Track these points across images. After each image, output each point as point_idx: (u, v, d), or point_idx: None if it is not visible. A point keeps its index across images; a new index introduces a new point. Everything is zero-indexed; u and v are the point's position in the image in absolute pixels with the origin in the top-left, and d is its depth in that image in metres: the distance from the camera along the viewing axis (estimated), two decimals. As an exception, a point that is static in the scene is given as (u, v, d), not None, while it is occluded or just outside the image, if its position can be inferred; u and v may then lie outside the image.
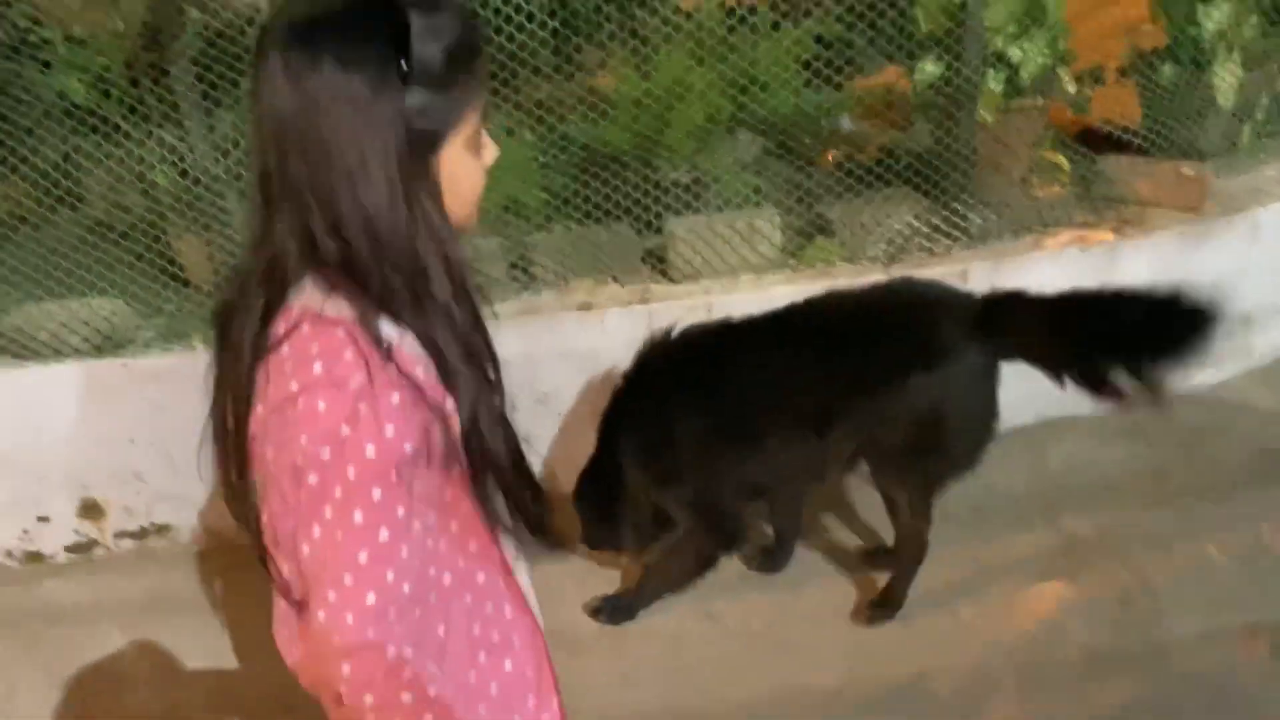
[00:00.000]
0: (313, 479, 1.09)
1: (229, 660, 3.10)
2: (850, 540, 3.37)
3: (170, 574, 3.48)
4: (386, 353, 1.11)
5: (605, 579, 3.27)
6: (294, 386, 1.10)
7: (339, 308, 1.13)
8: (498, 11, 3.19)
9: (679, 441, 2.78)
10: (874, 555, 3.26)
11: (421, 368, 1.15)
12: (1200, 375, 3.87)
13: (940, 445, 2.75)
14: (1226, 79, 3.88)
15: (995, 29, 3.51)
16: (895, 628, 3.06)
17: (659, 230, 3.54)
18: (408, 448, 1.11)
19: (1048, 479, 3.54)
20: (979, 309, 2.69)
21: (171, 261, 3.54)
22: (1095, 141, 3.90)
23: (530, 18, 3.25)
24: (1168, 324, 2.43)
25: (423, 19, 1.12)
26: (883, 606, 3.03)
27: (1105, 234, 3.59)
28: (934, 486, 2.85)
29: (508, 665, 1.33)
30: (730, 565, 3.23)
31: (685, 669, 2.98)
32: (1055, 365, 2.60)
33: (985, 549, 3.22)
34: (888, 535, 3.17)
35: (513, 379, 3.55)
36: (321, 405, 1.09)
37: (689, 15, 3.41)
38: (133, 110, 3.35)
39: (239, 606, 3.30)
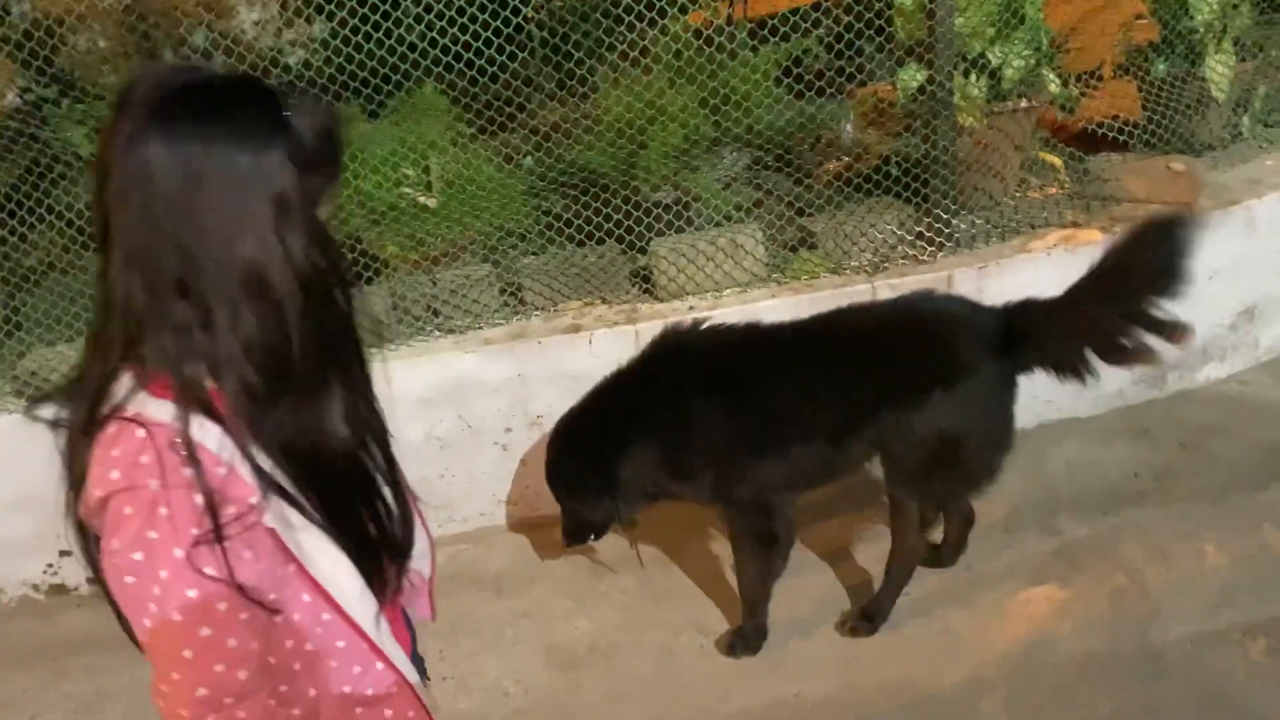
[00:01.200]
0: (129, 580, 1.12)
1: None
2: (847, 548, 3.39)
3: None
4: (191, 455, 1.12)
5: (602, 599, 3.34)
6: (99, 492, 1.13)
7: (153, 407, 1.14)
8: (489, 43, 3.30)
9: (701, 438, 2.81)
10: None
11: (224, 468, 1.15)
12: (1205, 370, 3.84)
13: (958, 461, 2.77)
14: (1220, 70, 3.84)
15: (973, 33, 3.52)
16: (887, 636, 3.06)
17: (644, 250, 3.60)
18: (223, 543, 1.13)
19: (1044, 483, 3.52)
20: (999, 324, 2.72)
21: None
22: (1091, 142, 3.87)
23: (522, 47, 3.35)
24: (1158, 252, 2.50)
25: (298, 102, 1.18)
26: (866, 619, 3.04)
27: (1093, 233, 3.56)
28: (947, 502, 2.87)
29: (388, 714, 1.37)
30: (721, 580, 3.28)
31: (676, 682, 3.03)
32: (1080, 358, 2.64)
33: (978, 555, 3.21)
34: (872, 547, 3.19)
35: (506, 402, 3.63)
36: (127, 510, 1.12)
37: (672, 37, 3.49)
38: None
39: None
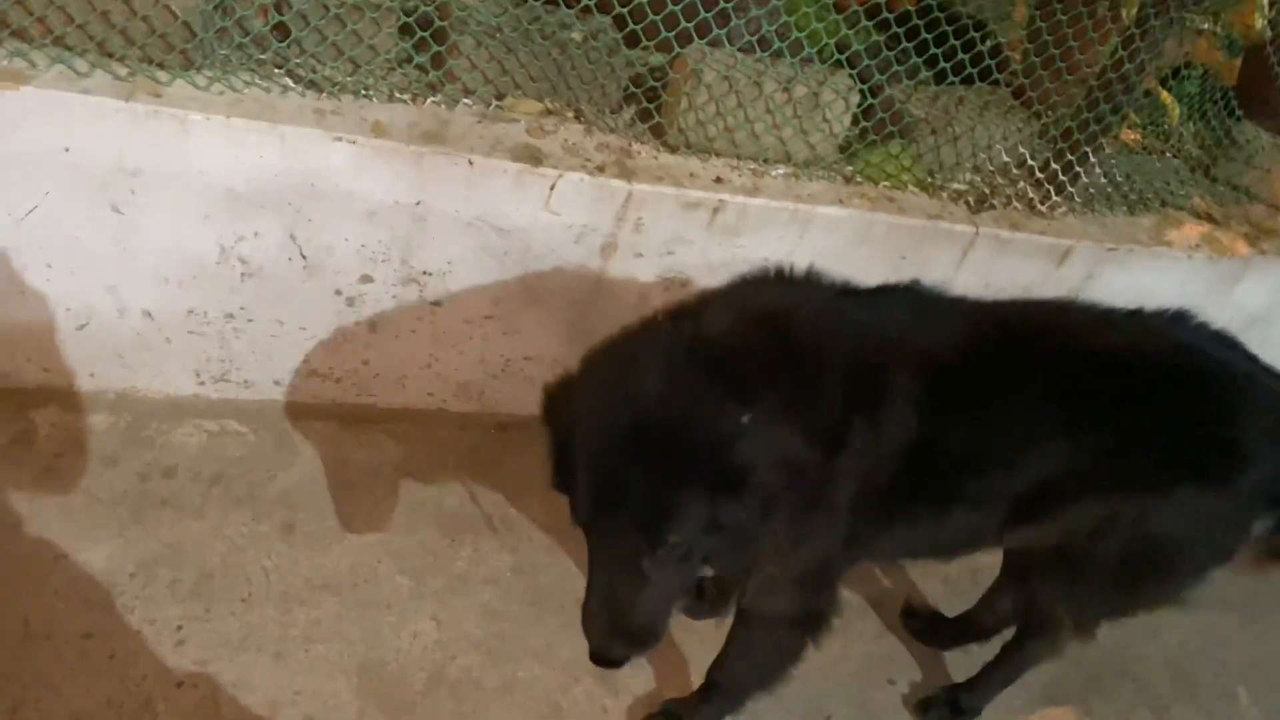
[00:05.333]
0: None
1: None
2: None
3: None
4: None
5: (459, 588, 2.12)
6: None
7: None
8: None
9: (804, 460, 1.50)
10: (923, 618, 2.40)
11: None
12: None
13: (1167, 578, 1.80)
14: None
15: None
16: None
17: (659, 64, 2.20)
18: None
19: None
20: None
21: None
22: (1249, 98, 2.85)
23: None
24: None
25: None
26: (955, 710, 2.18)
27: (1238, 244, 2.60)
28: (1125, 613, 1.91)
29: None
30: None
31: None
32: None
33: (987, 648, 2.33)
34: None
35: (378, 237, 1.99)
36: None
37: None
38: None
39: None
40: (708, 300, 1.54)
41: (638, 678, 2.10)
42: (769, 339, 1.43)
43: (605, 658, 1.42)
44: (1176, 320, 1.73)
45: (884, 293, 1.65)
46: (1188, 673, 2.51)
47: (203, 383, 2.27)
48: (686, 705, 1.98)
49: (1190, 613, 2.61)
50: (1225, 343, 1.74)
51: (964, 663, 2.32)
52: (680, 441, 1.31)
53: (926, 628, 2.37)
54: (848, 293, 1.60)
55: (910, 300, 1.65)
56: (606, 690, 2.06)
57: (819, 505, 1.51)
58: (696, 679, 2.04)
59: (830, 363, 1.47)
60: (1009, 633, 2.17)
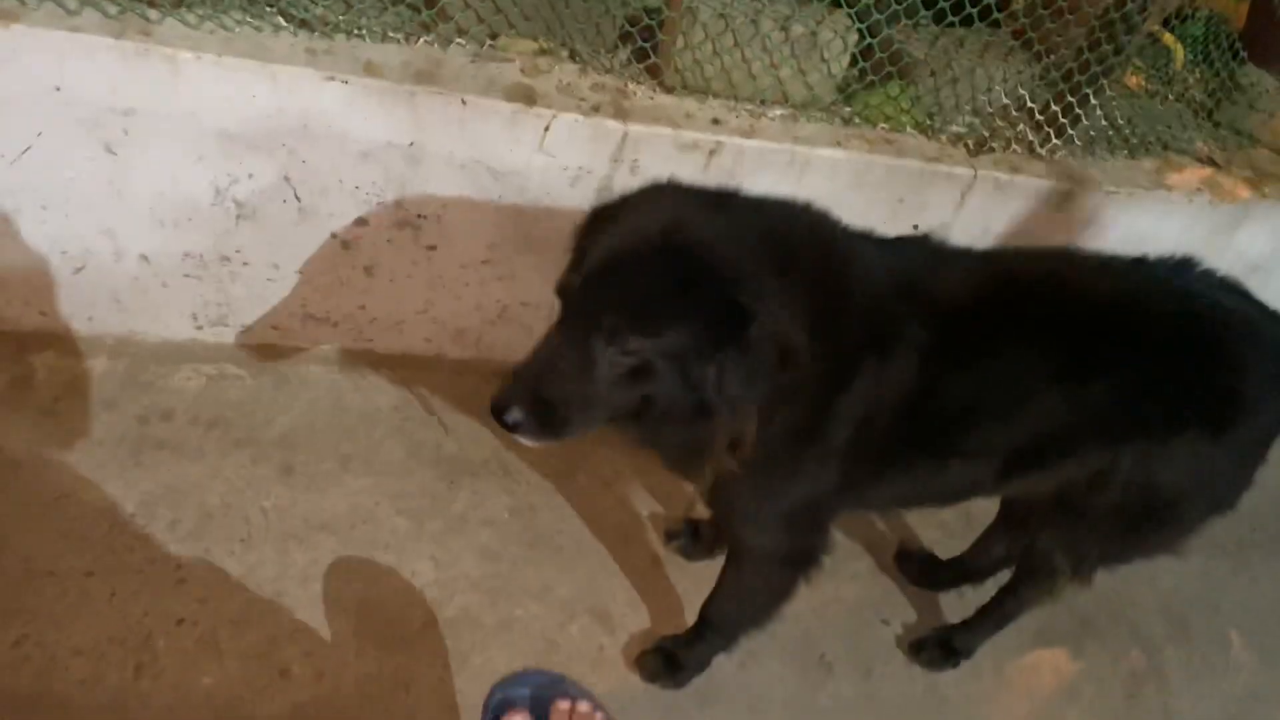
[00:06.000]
0: None
1: None
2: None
3: None
4: None
5: (457, 528, 2.14)
6: None
7: None
8: None
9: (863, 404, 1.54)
10: (917, 560, 2.42)
11: None
12: None
13: (1165, 527, 1.81)
14: None
15: None
16: (857, 686, 2.16)
17: (655, 3, 2.17)
18: None
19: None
20: None
21: None
22: (1258, 44, 2.81)
23: None
24: None
25: None
26: (948, 651, 2.22)
27: (1238, 187, 2.58)
28: (1121, 563, 1.92)
29: None
30: (639, 544, 2.21)
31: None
32: None
33: (981, 591, 2.34)
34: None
35: (373, 179, 2.04)
36: None
37: None
38: None
39: None
40: (760, 197, 1.52)
41: (632, 616, 2.12)
42: (814, 247, 1.42)
43: (500, 412, 1.35)
44: (1181, 267, 1.72)
45: (899, 241, 1.64)
46: (1181, 616, 2.53)
47: (200, 327, 2.28)
48: (680, 642, 2.00)
49: (1184, 559, 2.64)
50: (1230, 289, 1.72)
51: (958, 605, 2.34)
52: (702, 270, 1.29)
53: (920, 571, 2.39)
54: (868, 236, 1.59)
55: (924, 250, 1.64)
56: (603, 628, 2.09)
57: (813, 441, 1.51)
58: (691, 619, 2.06)
59: (856, 300, 1.47)
60: (1004, 576, 2.19)
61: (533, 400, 1.34)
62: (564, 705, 1.42)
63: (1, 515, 1.92)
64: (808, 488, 1.62)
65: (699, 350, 1.31)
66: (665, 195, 1.46)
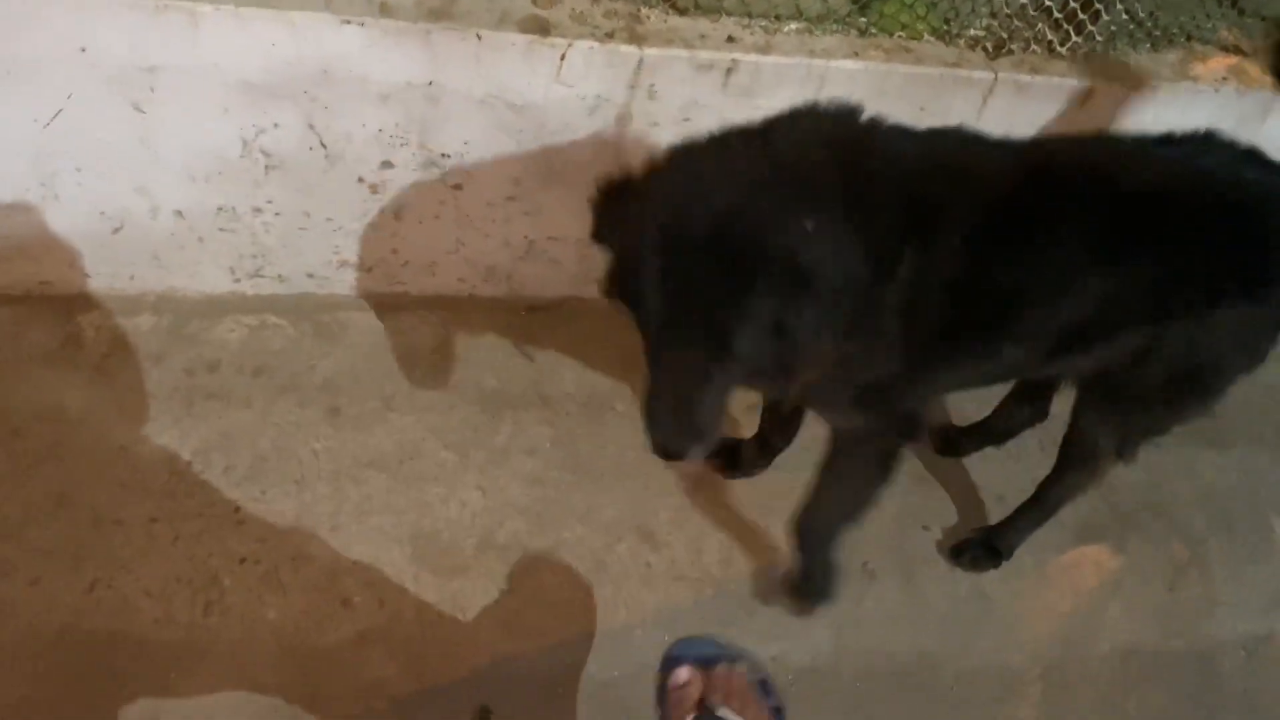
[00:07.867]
0: None
1: None
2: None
3: None
4: None
5: (501, 460, 2.19)
6: None
7: None
8: None
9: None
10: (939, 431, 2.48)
11: None
12: None
13: (1198, 395, 1.86)
14: None
15: None
16: (899, 593, 2.21)
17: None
18: None
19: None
20: None
21: None
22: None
23: None
24: None
25: None
26: (989, 552, 2.28)
27: (1261, 73, 2.54)
28: (1164, 432, 1.97)
29: None
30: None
31: (608, 614, 2.04)
32: None
33: (1018, 486, 2.36)
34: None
35: (395, 120, 2.08)
36: None
37: None
38: None
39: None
40: (772, 124, 1.54)
41: (676, 534, 2.18)
42: (833, 160, 1.44)
43: (670, 452, 1.44)
44: (1206, 141, 1.72)
45: (934, 133, 1.65)
46: (1221, 508, 2.55)
47: (238, 280, 2.33)
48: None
49: (1223, 451, 2.66)
50: (1254, 160, 1.73)
51: (997, 509, 2.37)
52: (753, 248, 1.33)
53: (944, 439, 2.45)
54: (901, 129, 1.60)
55: (960, 139, 1.65)
56: (648, 547, 2.15)
57: (870, 332, 1.54)
58: (732, 534, 2.11)
59: (888, 192, 1.48)
60: (1040, 473, 2.21)
61: (688, 431, 1.43)
62: (723, 670, 1.45)
63: (67, 469, 2.00)
64: (871, 374, 1.65)
65: (785, 309, 1.36)
66: (684, 179, 1.45)
